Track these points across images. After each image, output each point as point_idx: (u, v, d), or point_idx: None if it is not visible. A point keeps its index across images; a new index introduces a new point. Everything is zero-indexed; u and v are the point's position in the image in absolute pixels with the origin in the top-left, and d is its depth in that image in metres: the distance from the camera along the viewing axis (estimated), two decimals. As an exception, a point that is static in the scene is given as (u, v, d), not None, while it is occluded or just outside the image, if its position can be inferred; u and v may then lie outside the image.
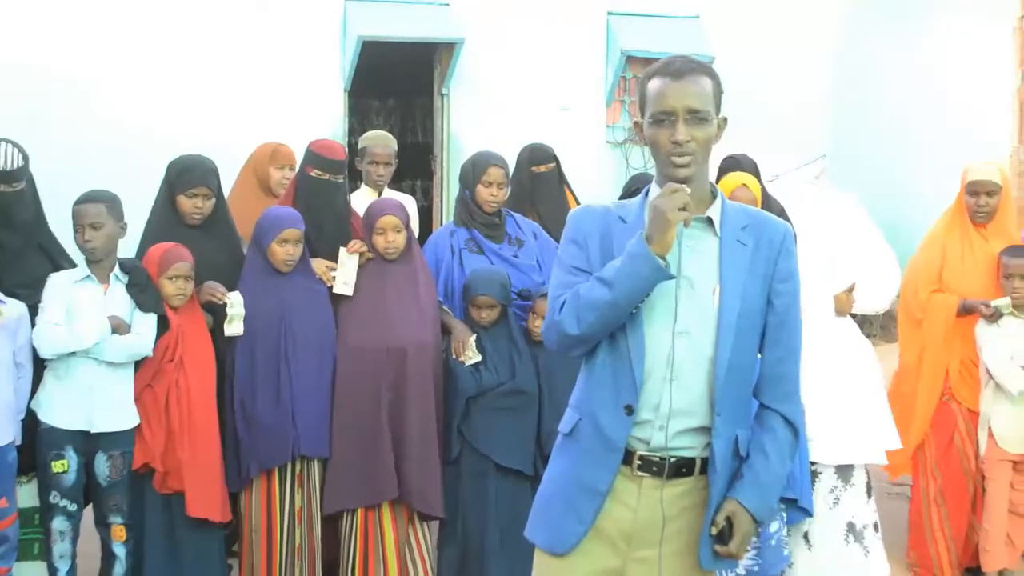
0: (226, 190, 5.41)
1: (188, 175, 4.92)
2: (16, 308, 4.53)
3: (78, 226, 4.61)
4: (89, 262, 4.65)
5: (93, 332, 4.52)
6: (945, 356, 5.60)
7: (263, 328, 4.84)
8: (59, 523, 4.61)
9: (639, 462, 3.03)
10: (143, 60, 9.84)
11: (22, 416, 4.59)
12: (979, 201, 5.58)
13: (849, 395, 5.05)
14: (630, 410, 3.00)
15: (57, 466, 4.56)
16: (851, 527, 5.06)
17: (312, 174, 5.10)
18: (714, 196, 3.09)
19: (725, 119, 3.07)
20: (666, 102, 2.97)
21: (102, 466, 4.62)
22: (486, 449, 4.98)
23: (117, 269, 4.69)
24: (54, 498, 4.59)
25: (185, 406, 4.68)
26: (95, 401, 4.57)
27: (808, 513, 4.92)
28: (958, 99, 10.53)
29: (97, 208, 4.62)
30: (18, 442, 4.56)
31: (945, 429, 5.61)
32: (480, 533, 5.00)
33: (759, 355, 3.11)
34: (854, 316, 5.40)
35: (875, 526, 5.15)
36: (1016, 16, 10.15)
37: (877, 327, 10.65)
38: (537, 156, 5.99)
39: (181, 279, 4.71)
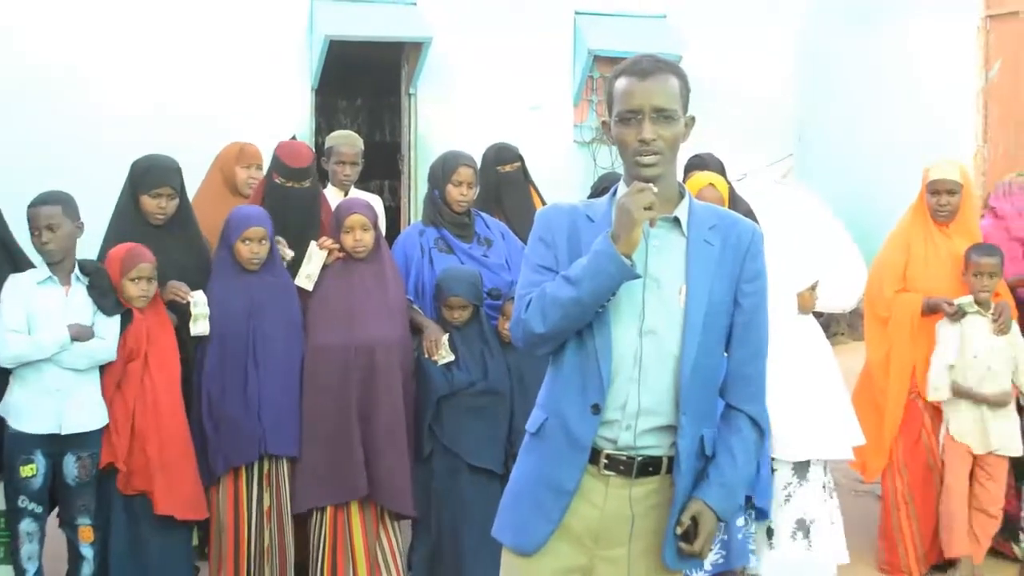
0: (192, 190, 5.39)
1: (151, 175, 4.90)
2: None
3: (34, 228, 4.58)
4: (49, 264, 4.61)
5: (53, 342, 4.49)
6: (911, 354, 5.64)
7: (231, 326, 4.83)
8: (26, 525, 4.59)
9: (606, 461, 3.03)
10: (109, 59, 9.78)
11: None
12: (940, 200, 5.61)
13: (808, 393, 5.08)
14: (597, 409, 3.00)
15: (26, 470, 4.53)
16: (800, 523, 5.08)
17: (277, 181, 5.10)
18: (682, 196, 3.10)
19: (693, 118, 3.08)
20: (632, 101, 2.97)
21: (71, 467, 4.59)
22: (457, 448, 4.98)
23: (77, 270, 4.66)
24: (22, 502, 4.57)
25: (151, 405, 4.66)
26: (64, 403, 4.54)
27: (765, 515, 4.96)
28: (923, 98, 10.60)
29: (53, 209, 4.59)
30: None
31: (912, 427, 5.65)
32: (452, 531, 4.99)
33: (725, 355, 3.12)
34: (820, 315, 5.42)
35: (829, 522, 5.16)
36: (980, 15, 10.22)
37: (844, 325, 10.72)
38: (503, 155, 6.00)
39: (144, 280, 4.68)
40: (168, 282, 4.81)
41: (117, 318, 4.65)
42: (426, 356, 5.03)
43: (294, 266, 5.01)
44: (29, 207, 4.60)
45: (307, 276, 4.98)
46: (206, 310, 4.75)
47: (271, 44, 10.41)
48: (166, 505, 4.66)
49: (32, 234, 4.59)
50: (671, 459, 3.04)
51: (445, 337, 5.03)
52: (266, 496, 4.90)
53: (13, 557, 4.64)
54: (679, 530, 3.00)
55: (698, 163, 5.79)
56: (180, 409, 4.78)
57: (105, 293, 4.65)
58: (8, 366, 4.51)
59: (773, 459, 5.02)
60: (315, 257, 4.98)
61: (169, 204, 4.90)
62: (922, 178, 5.72)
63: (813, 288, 5.22)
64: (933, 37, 10.55)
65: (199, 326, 4.75)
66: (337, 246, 5.01)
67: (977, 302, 5.48)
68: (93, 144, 9.20)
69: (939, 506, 5.58)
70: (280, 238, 4.98)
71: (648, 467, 3.04)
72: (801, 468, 5.10)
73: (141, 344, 4.67)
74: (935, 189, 5.62)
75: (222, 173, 5.93)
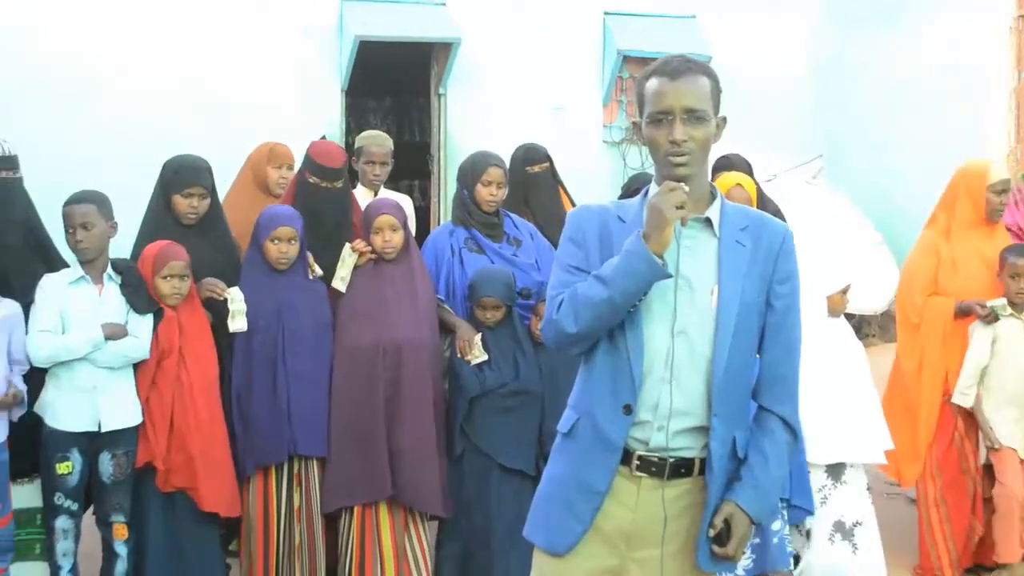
0: (224, 190, 5.41)
1: (183, 175, 4.92)
2: (8, 307, 4.51)
3: (69, 227, 4.60)
4: (82, 262, 4.64)
5: (86, 341, 4.51)
6: (944, 359, 5.59)
7: (261, 326, 4.84)
8: (62, 522, 4.61)
9: (638, 462, 3.03)
10: (140, 61, 9.84)
11: (23, 412, 4.58)
12: (1003, 200, 5.60)
13: (841, 395, 5.06)
14: (628, 410, 3.00)
15: (62, 468, 4.56)
16: (839, 525, 5.06)
17: (310, 180, 5.10)
18: (713, 196, 3.09)
19: (724, 118, 3.07)
20: (663, 102, 2.96)
21: (106, 465, 4.62)
22: (488, 449, 4.99)
23: (110, 269, 4.68)
24: (58, 499, 4.59)
25: (189, 403, 4.67)
26: (100, 401, 4.57)
27: (807, 511, 4.92)
28: (954, 98, 10.55)
29: (87, 208, 4.61)
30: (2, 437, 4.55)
31: (945, 431, 5.61)
32: (483, 532, 5.00)
33: (758, 356, 3.11)
34: (852, 317, 5.40)
35: (868, 524, 5.14)
36: (1013, 15, 10.15)
37: (875, 327, 10.67)
38: (531, 156, 5.99)
39: (176, 278, 4.70)
40: (204, 279, 4.83)
41: (150, 317, 4.66)
42: (459, 356, 5.03)
43: (324, 280, 5.02)
44: (64, 205, 4.63)
45: (341, 279, 4.99)
46: (243, 306, 4.76)
47: (301, 45, 10.45)
48: (210, 502, 4.67)
49: (67, 232, 4.61)
50: (703, 461, 3.03)
51: (478, 337, 5.04)
52: (296, 496, 4.92)
53: (48, 554, 4.67)
54: (711, 532, 2.99)
55: (725, 164, 5.77)
56: (218, 406, 4.79)
57: (137, 292, 4.67)
58: (42, 366, 4.54)
59: (807, 462, 5.00)
60: (348, 260, 5.00)
61: (201, 204, 4.92)
62: (956, 179, 5.68)
63: (844, 291, 5.19)
64: (964, 37, 10.49)
65: (237, 322, 4.76)
66: (369, 248, 5.03)
67: (1011, 304, 5.43)
68: (123, 145, 9.26)
69: (978, 519, 5.54)
70: (309, 253, 4.99)
71: (680, 468, 3.03)
72: (835, 470, 5.07)
73: (175, 342, 4.68)
74: (1001, 188, 5.59)
75: (253, 173, 5.94)
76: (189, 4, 10.07)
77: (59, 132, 9.18)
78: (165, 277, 4.68)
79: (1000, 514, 5.46)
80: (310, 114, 10.20)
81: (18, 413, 4.57)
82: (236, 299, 4.77)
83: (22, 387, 4.57)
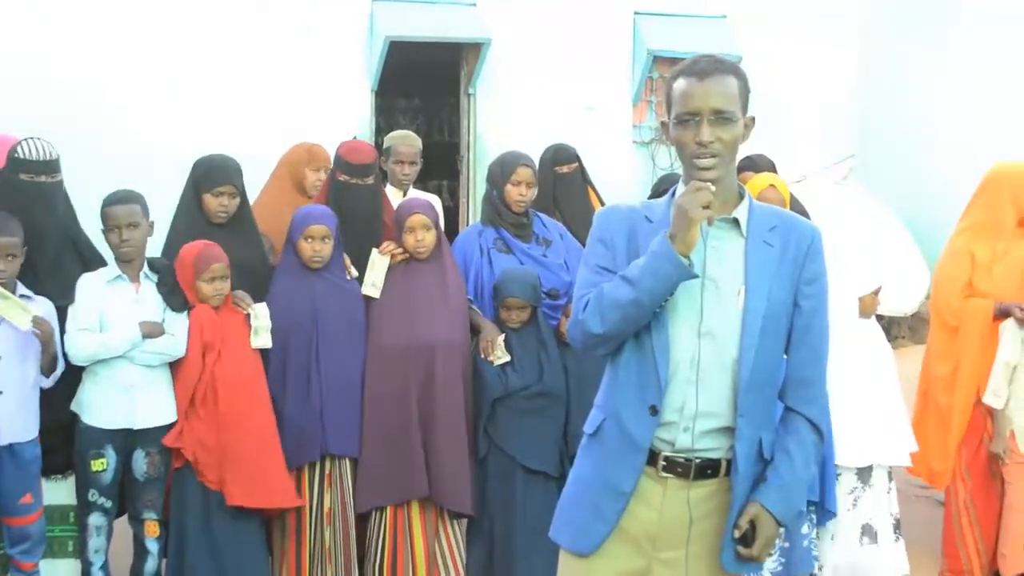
0: (254, 190, 5.42)
1: (214, 174, 4.94)
2: (43, 306, 4.54)
3: (113, 227, 4.62)
4: (120, 262, 4.67)
5: (124, 340, 4.55)
6: (981, 361, 5.53)
7: (294, 325, 4.87)
8: (95, 519, 4.65)
9: (664, 463, 3.03)
10: (171, 60, 9.89)
11: (57, 374, 4.60)
12: None
13: (871, 397, 5.03)
14: (654, 411, 3.00)
15: (96, 464, 4.59)
16: (867, 528, 5.05)
17: (341, 179, 5.11)
18: (741, 197, 3.08)
19: (752, 119, 3.06)
20: (691, 102, 2.96)
21: (140, 463, 4.65)
22: (512, 450, 4.99)
23: (146, 268, 4.72)
24: (92, 495, 4.63)
25: (228, 400, 4.68)
26: (136, 398, 4.60)
27: (833, 513, 4.90)
28: (987, 98, 10.46)
29: (132, 208, 4.64)
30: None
31: (975, 432, 5.56)
32: (507, 533, 5.00)
33: (785, 357, 3.10)
34: (882, 318, 5.36)
35: (895, 527, 5.12)
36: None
37: (905, 328, 10.60)
38: (560, 156, 5.99)
39: (218, 279, 4.73)
40: (233, 292, 4.85)
41: (185, 315, 4.70)
42: (482, 356, 5.04)
43: (360, 281, 5.04)
44: (106, 205, 4.66)
45: (372, 284, 5.00)
46: (267, 323, 4.79)
47: (332, 45, 10.47)
48: (237, 497, 4.69)
49: (109, 232, 4.64)
50: (729, 462, 3.03)
51: (501, 338, 5.04)
52: (328, 496, 4.94)
53: (80, 551, 4.71)
54: (737, 533, 2.99)
55: (748, 164, 5.74)
56: (256, 401, 4.80)
57: (173, 290, 4.70)
58: (81, 364, 4.58)
59: (836, 465, 4.97)
60: (378, 264, 5.01)
61: (231, 203, 4.94)
62: (990, 179, 5.62)
63: (876, 292, 5.17)
64: (997, 37, 10.41)
65: (260, 339, 4.79)
66: (400, 249, 5.04)
67: None
68: (155, 145, 9.30)
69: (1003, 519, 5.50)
70: (345, 255, 5.01)
71: (706, 469, 3.03)
72: (864, 473, 5.06)
73: (216, 340, 4.71)
74: None
75: (291, 175, 5.92)
76: (220, 5, 10.11)
77: (93, 132, 9.22)
78: (208, 280, 4.71)
79: (1006, 526, 5.43)
80: (341, 114, 10.22)
81: (53, 375, 4.56)
82: (260, 315, 4.80)
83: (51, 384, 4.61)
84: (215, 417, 4.68)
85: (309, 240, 4.87)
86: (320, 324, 4.90)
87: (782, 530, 3.11)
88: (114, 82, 9.67)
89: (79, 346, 4.53)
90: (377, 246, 5.07)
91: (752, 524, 2.99)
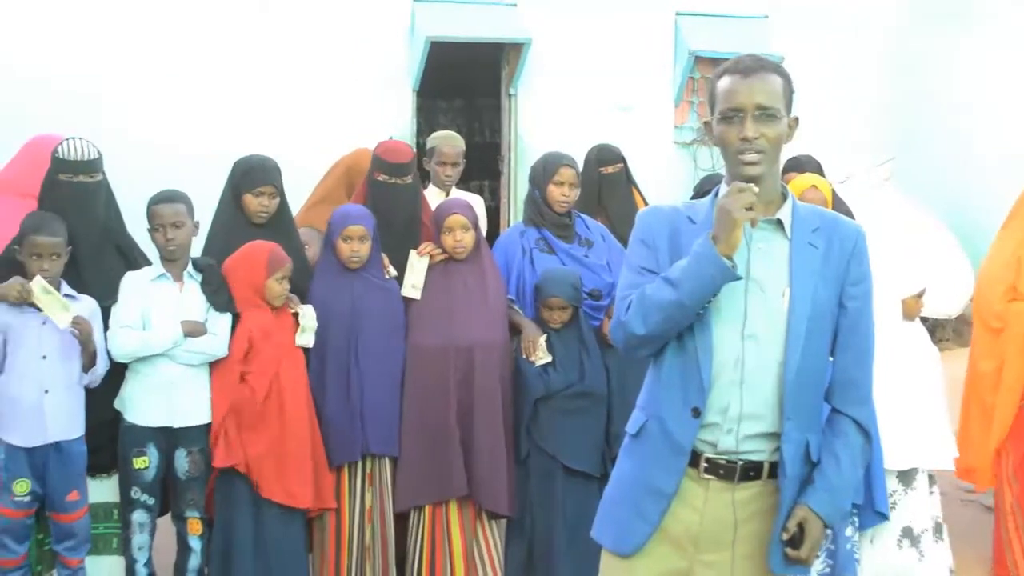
0: (295, 191, 5.42)
1: (254, 174, 4.97)
2: (87, 305, 4.58)
3: (159, 226, 4.67)
4: (164, 260, 4.71)
5: (166, 338, 4.58)
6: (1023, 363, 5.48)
7: (333, 326, 4.88)
8: (139, 516, 4.69)
9: (706, 465, 3.02)
10: (212, 63, 9.95)
11: (100, 373, 4.62)
12: None
13: (914, 400, 5.00)
14: (697, 413, 2.99)
15: (139, 462, 4.63)
16: (907, 531, 5.01)
17: (379, 179, 5.12)
18: (785, 197, 3.07)
19: (796, 119, 3.05)
20: (735, 99, 2.95)
21: (181, 461, 4.68)
22: (553, 450, 4.98)
23: (190, 267, 4.75)
24: (135, 493, 4.67)
25: (278, 398, 4.71)
26: (176, 396, 4.63)
27: (884, 516, 4.87)
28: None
29: (178, 208, 4.68)
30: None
31: (1021, 437, 5.50)
32: (547, 533, 5.00)
33: (830, 359, 3.08)
34: (926, 320, 5.31)
35: (935, 531, 5.08)
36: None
37: (949, 331, 10.52)
38: (605, 156, 5.98)
39: (286, 279, 4.77)
40: None
41: (229, 317, 4.73)
42: (523, 356, 5.04)
43: (398, 280, 5.05)
44: (152, 204, 4.70)
45: (412, 286, 5.01)
46: (314, 324, 4.82)
47: (373, 46, 10.50)
48: (269, 490, 4.71)
49: (156, 230, 4.68)
50: (772, 464, 3.01)
51: (543, 338, 5.04)
52: (368, 494, 4.95)
53: (125, 547, 4.75)
54: (785, 536, 2.97)
55: (794, 164, 5.72)
56: (306, 401, 4.82)
57: (217, 290, 4.73)
58: (122, 361, 4.61)
59: None
60: (417, 266, 5.02)
61: (271, 203, 4.96)
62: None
63: (920, 295, 5.13)
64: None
65: (304, 338, 4.82)
66: (439, 250, 5.05)
67: None
68: (198, 148, 9.34)
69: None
70: (384, 255, 5.02)
71: (749, 472, 3.01)
72: (906, 476, 5.02)
73: (263, 339, 4.73)
74: None
75: (348, 177, 5.91)
76: (261, 6, 10.16)
77: (141, 132, 9.29)
78: (279, 279, 4.74)
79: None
80: (382, 115, 10.25)
81: (94, 373, 4.58)
82: (307, 315, 4.83)
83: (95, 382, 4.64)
84: (263, 419, 4.69)
85: (347, 240, 4.89)
86: (359, 324, 4.91)
87: (828, 532, 3.08)
88: (158, 90, 9.73)
89: (121, 343, 4.57)
90: (416, 246, 5.08)
91: (800, 527, 2.97)
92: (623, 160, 6.01)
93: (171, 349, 4.60)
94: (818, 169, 5.70)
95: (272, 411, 4.70)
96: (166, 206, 4.68)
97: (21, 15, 9.51)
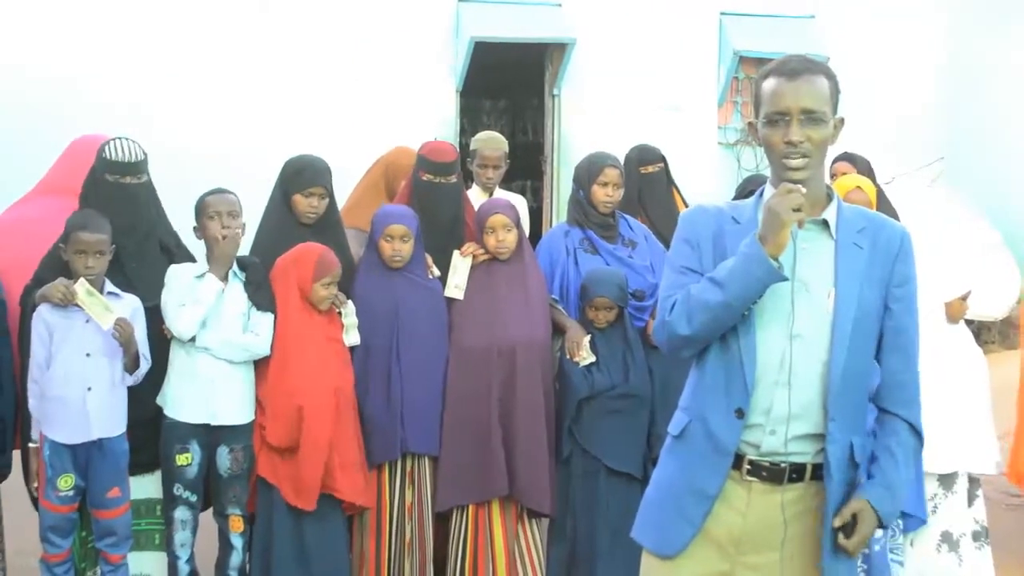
0: (342, 191, 5.44)
1: (304, 174, 4.97)
2: (131, 303, 4.61)
3: (214, 213, 4.71)
4: (211, 258, 4.71)
5: (209, 290, 4.59)
6: None
7: (376, 325, 4.89)
8: (181, 513, 4.72)
9: (748, 466, 3.01)
10: (260, 64, 10.01)
11: (142, 371, 4.64)
12: None
13: (957, 403, 4.96)
14: (741, 414, 2.98)
15: (181, 459, 4.66)
16: (946, 536, 4.97)
17: (424, 178, 5.13)
18: (830, 198, 3.05)
19: (842, 120, 3.03)
20: (781, 102, 2.94)
21: (224, 459, 4.70)
22: (596, 451, 4.97)
23: (235, 266, 4.77)
24: (177, 490, 4.70)
25: (322, 398, 4.70)
26: (217, 394, 4.66)
27: (923, 520, 4.83)
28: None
29: (232, 198, 4.76)
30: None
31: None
32: (589, 533, 4.99)
33: (876, 361, 3.06)
34: (971, 322, 5.28)
35: (976, 535, 5.03)
36: None
37: (995, 333, 10.42)
38: (645, 156, 5.96)
39: (333, 284, 4.78)
40: None
41: (271, 316, 4.74)
42: (568, 357, 5.04)
43: (441, 280, 5.06)
44: (207, 196, 4.76)
45: (455, 286, 5.02)
46: (354, 319, 4.84)
47: (417, 46, 10.54)
48: (291, 496, 4.71)
49: (209, 220, 4.72)
50: (815, 466, 3.00)
51: (587, 339, 5.04)
52: (408, 493, 4.97)
53: (167, 543, 4.77)
54: (838, 522, 2.94)
55: (846, 157, 5.69)
56: (352, 401, 4.83)
57: (260, 288, 4.75)
58: (188, 335, 4.60)
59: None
60: (460, 266, 5.03)
61: (321, 204, 4.96)
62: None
63: (964, 297, 5.09)
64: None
65: (351, 336, 4.84)
66: (481, 250, 5.06)
67: None
68: (249, 145, 9.41)
69: None
70: (428, 255, 5.03)
71: (792, 474, 3.00)
72: (947, 480, 4.98)
73: (308, 338, 4.74)
74: None
75: (386, 177, 5.91)
76: (308, 6, 10.22)
77: (187, 133, 9.37)
78: (325, 284, 4.75)
79: None
80: (426, 115, 10.28)
81: (137, 373, 4.60)
82: (350, 313, 4.85)
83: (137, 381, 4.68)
84: (322, 414, 4.68)
85: (389, 240, 4.90)
86: (401, 323, 4.92)
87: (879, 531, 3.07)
88: (203, 93, 9.81)
89: (180, 318, 4.57)
90: (459, 246, 5.09)
91: (854, 517, 2.95)
92: (663, 160, 5.99)
93: (215, 303, 4.60)
94: (868, 169, 5.67)
95: (311, 408, 4.66)
96: (220, 196, 4.75)
97: (36, 17, 9.61)
